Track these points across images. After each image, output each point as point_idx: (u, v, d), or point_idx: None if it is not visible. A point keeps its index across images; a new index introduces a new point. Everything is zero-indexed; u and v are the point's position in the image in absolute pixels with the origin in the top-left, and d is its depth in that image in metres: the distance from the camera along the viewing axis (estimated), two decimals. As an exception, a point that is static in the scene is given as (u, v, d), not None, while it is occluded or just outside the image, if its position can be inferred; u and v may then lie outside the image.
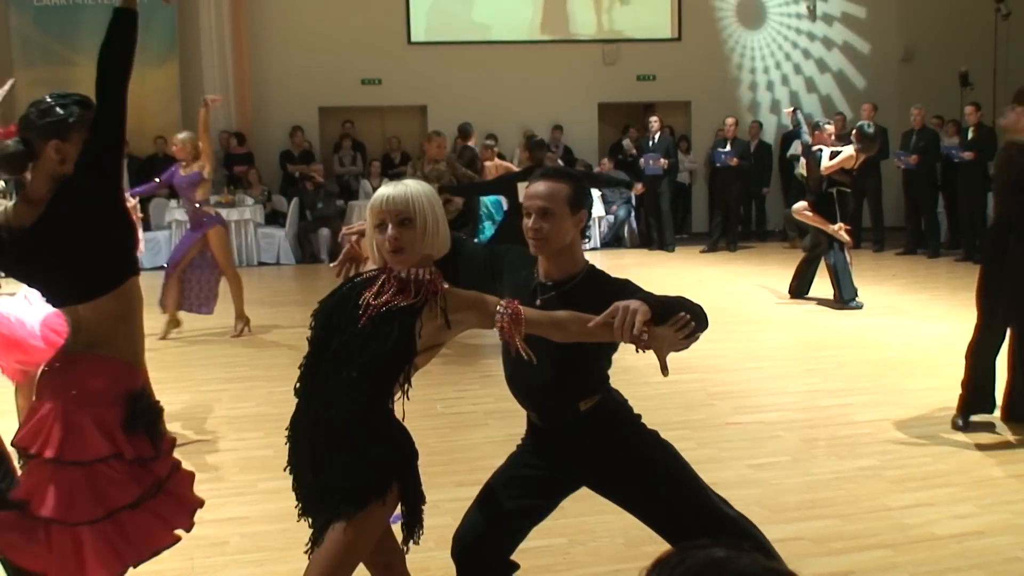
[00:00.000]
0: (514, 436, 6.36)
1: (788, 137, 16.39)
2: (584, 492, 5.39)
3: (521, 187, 9.84)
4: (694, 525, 3.30)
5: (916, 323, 9.80)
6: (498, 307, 3.07)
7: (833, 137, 11.06)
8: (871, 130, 10.32)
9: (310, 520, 3.31)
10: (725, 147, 15.99)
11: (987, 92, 15.76)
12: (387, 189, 3.12)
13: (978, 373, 6.37)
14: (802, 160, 11.33)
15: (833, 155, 10.42)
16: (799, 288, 11.25)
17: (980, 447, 6.12)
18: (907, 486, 5.46)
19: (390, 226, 3.07)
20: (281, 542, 4.84)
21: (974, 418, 6.43)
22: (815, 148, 10.69)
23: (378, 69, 16.85)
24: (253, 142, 16.21)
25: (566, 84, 17.30)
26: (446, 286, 3.16)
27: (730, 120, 16.15)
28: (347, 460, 3.17)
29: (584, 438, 3.51)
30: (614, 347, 3.40)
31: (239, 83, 16.38)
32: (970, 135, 14.14)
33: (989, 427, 6.43)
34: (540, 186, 3.37)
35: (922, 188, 14.83)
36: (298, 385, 3.33)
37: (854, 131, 10.51)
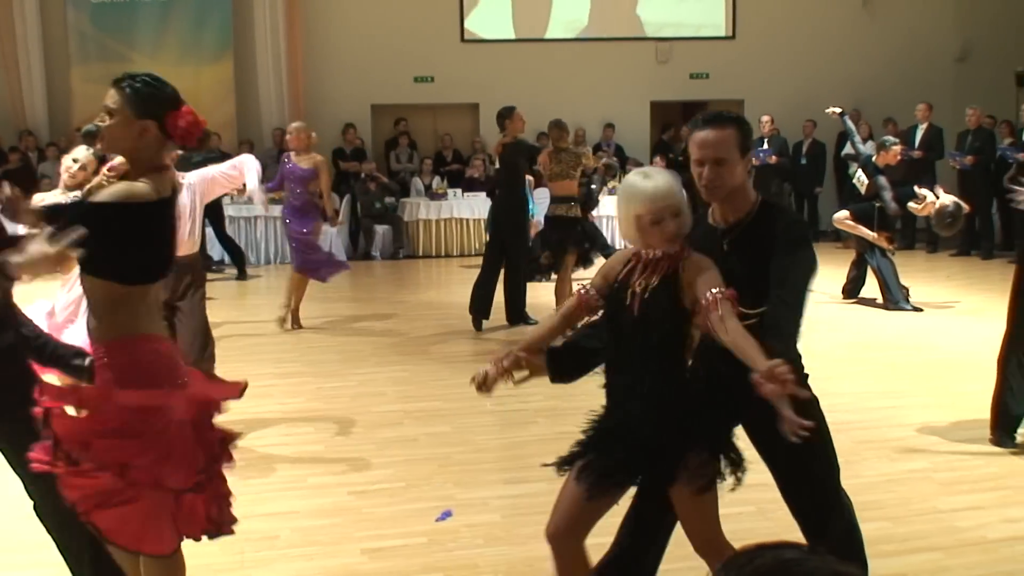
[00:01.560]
0: (563, 434, 6.37)
1: (843, 137, 16.24)
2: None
3: None
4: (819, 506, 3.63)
5: (970, 324, 9.69)
6: (715, 290, 3.16)
7: (899, 158, 10.86)
8: (948, 217, 9.90)
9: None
10: (763, 145, 15.87)
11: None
12: (649, 183, 3.25)
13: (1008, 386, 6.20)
14: (859, 170, 11.11)
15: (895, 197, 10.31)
16: (852, 290, 11.16)
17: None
18: (958, 489, 5.41)
19: (667, 219, 3.23)
20: (331, 536, 4.90)
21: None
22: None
23: (431, 67, 16.93)
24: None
25: (618, 82, 17.27)
26: (688, 254, 3.30)
27: (765, 117, 16.04)
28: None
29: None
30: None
31: (292, 80, 16.53)
32: (1024, 135, 13.96)
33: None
34: (709, 134, 3.37)
35: (977, 189, 14.64)
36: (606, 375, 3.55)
37: (935, 212, 9.99)
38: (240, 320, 10.70)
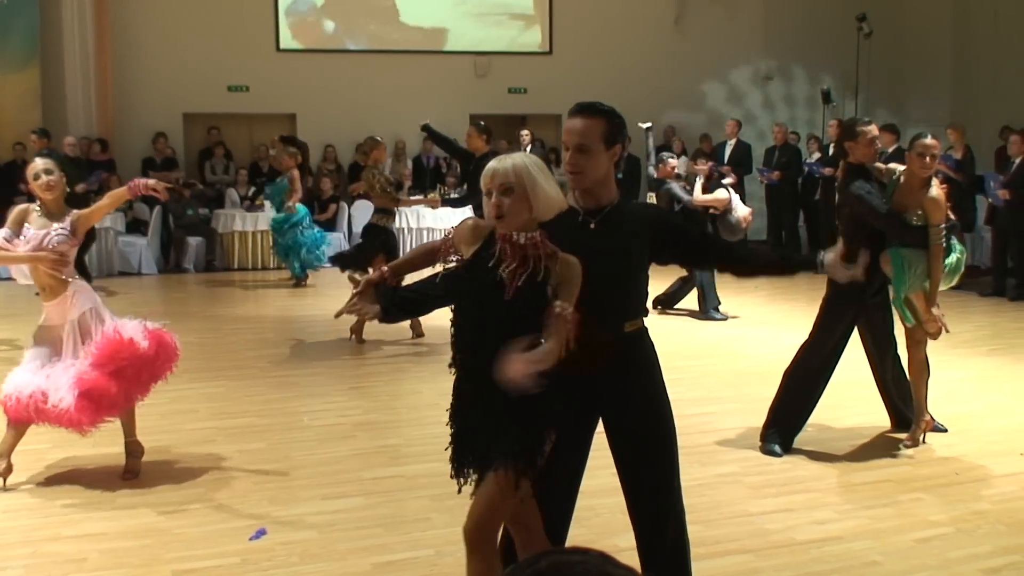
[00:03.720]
0: (383, 448, 6.37)
1: (659, 150, 16.68)
2: (455, 503, 5.38)
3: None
4: (660, 502, 3.70)
5: (777, 333, 10.04)
6: (565, 307, 3.25)
7: (676, 171, 11.18)
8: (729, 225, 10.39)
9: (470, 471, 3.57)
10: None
11: (848, 109, 16.30)
12: (494, 163, 3.36)
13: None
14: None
15: (705, 187, 10.64)
16: (666, 301, 11.40)
17: (839, 454, 6.30)
18: (767, 492, 5.58)
19: (494, 194, 3.32)
20: (141, 558, 4.73)
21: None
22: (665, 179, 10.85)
23: (246, 76, 16.62)
24: (115, 148, 15.80)
25: (438, 95, 17.28)
26: (555, 250, 3.37)
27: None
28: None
29: (621, 361, 3.63)
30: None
31: (101, 88, 15.96)
32: (831, 151, 14.58)
33: (848, 435, 6.62)
34: (576, 122, 3.52)
35: (783, 203, 15.23)
36: (460, 356, 3.48)
37: (720, 214, 10.49)
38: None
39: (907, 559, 4.72)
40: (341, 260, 10.22)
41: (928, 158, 5.97)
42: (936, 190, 6.07)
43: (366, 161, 10.52)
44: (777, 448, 6.25)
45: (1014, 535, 5.00)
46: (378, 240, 9.83)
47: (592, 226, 3.56)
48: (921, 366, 6.37)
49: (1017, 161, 11.95)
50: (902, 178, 6.17)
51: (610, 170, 3.62)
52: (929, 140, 6.03)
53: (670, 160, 11.24)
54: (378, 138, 10.56)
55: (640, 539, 3.80)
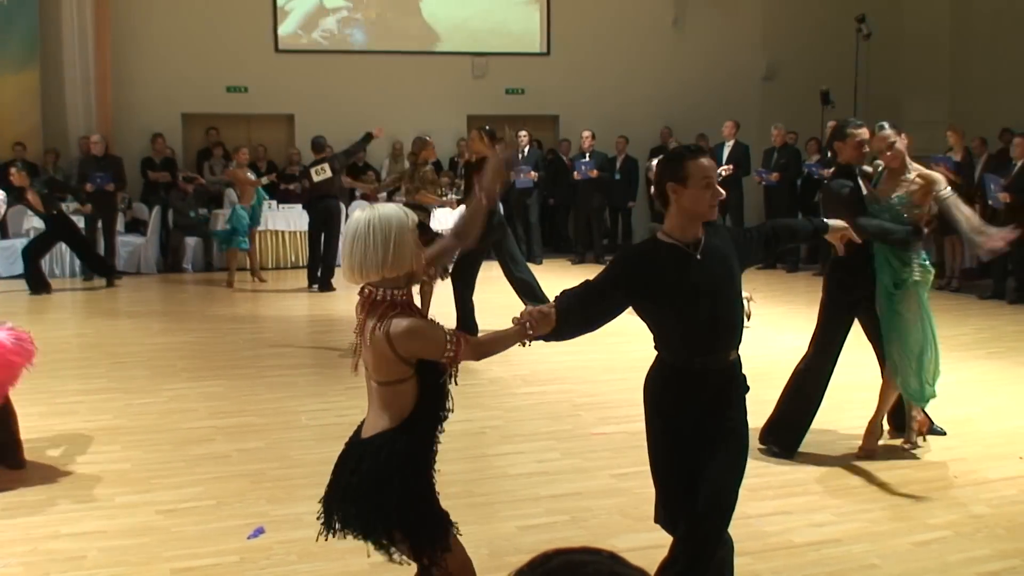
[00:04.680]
0: (380, 447, 6.35)
1: (655, 152, 16.70)
2: (451, 504, 5.38)
3: None
4: (724, 503, 3.78)
5: (775, 335, 10.05)
6: (448, 339, 3.33)
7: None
8: None
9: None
10: (585, 159, 16.16)
11: (847, 110, 16.28)
12: None
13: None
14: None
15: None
16: None
17: (837, 457, 6.30)
18: (766, 495, 5.57)
19: None
20: (140, 556, 4.74)
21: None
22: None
23: (244, 76, 16.62)
24: (114, 148, 15.78)
25: (435, 96, 17.30)
26: (398, 316, 3.32)
27: (586, 133, 16.35)
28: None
29: (724, 386, 3.82)
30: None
31: (101, 88, 15.95)
32: (829, 153, 14.56)
33: (847, 438, 6.62)
34: (708, 161, 3.74)
35: (782, 204, 15.22)
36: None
37: None
38: (43, 335, 10.22)
39: (905, 562, 4.72)
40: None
41: (888, 151, 6.18)
42: (917, 169, 6.21)
43: (415, 160, 10.79)
44: (776, 449, 6.26)
45: (1013, 539, 5.00)
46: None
47: (699, 257, 3.73)
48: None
49: (1020, 164, 11.94)
50: (884, 171, 6.31)
51: None
52: (887, 131, 6.24)
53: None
54: (427, 137, 10.72)
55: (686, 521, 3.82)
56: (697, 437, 3.75)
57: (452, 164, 17.01)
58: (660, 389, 3.82)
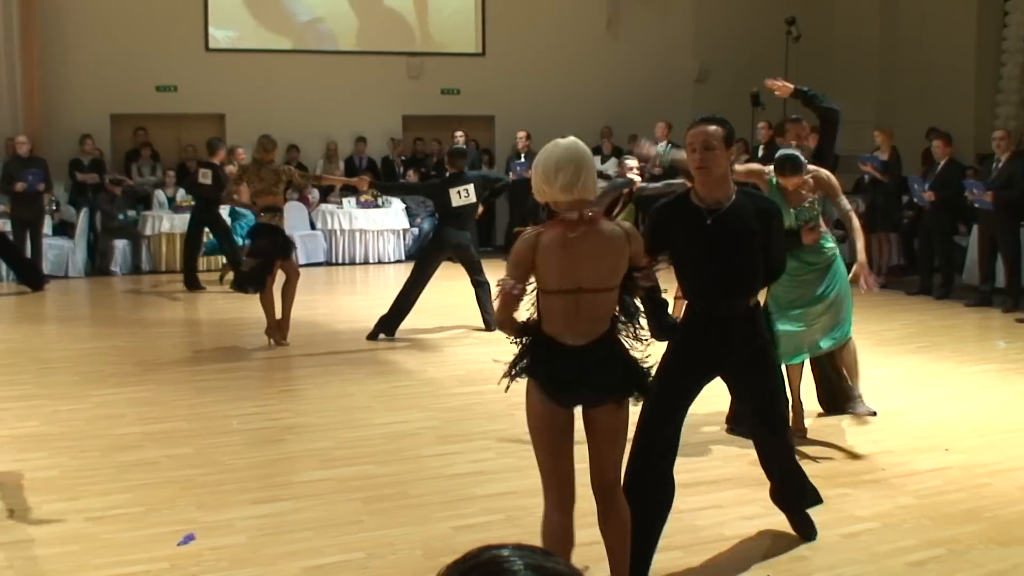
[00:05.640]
0: (312, 451, 6.32)
1: (594, 152, 16.78)
2: (386, 506, 5.36)
3: (453, 192, 9.89)
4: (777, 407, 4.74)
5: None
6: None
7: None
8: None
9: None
10: (520, 159, 16.16)
11: (777, 112, 16.47)
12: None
13: None
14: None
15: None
16: None
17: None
18: (698, 489, 5.61)
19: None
20: (67, 565, 4.65)
21: None
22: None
23: (174, 75, 16.38)
24: (42, 149, 15.49)
25: (370, 96, 17.19)
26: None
27: (521, 133, 16.36)
28: None
29: (744, 328, 4.44)
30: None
31: (28, 88, 15.62)
32: (760, 152, 14.72)
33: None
34: (702, 127, 4.34)
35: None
36: None
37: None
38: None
39: (834, 553, 4.78)
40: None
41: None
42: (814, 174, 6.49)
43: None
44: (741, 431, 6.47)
45: (939, 529, 5.08)
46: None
47: (708, 222, 4.28)
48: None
49: (942, 163, 12.16)
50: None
51: (728, 168, 4.39)
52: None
53: (627, 162, 11.28)
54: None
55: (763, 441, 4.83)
56: (722, 365, 4.48)
57: (385, 163, 16.95)
58: (685, 328, 4.44)
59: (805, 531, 4.89)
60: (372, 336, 9.86)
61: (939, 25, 16.68)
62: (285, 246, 9.83)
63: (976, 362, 8.91)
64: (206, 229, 13.68)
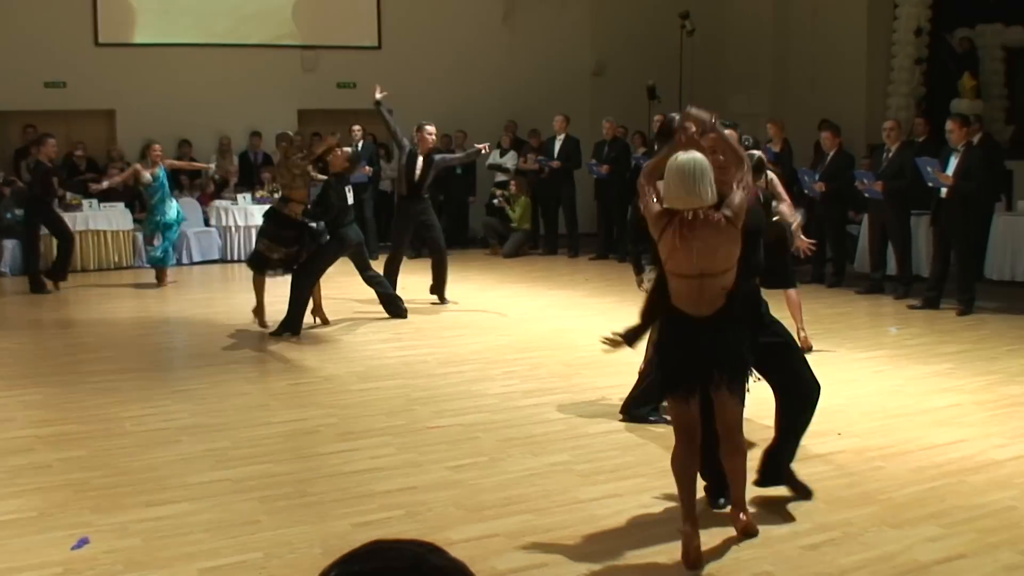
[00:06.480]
0: (210, 451, 6.22)
1: (503, 151, 16.88)
2: (284, 505, 5.31)
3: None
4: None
5: (607, 324, 10.19)
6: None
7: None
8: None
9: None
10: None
11: (673, 104, 16.68)
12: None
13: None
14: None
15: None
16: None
17: (664, 438, 6.42)
18: (597, 479, 5.67)
19: None
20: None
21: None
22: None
23: (63, 71, 15.97)
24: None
25: (264, 90, 16.96)
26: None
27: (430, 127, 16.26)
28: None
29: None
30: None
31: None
32: (656, 146, 14.88)
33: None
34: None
35: (613, 196, 15.48)
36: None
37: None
38: None
39: (728, 535, 4.85)
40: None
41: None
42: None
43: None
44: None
45: (833, 512, 5.20)
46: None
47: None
48: None
49: (831, 155, 12.42)
50: None
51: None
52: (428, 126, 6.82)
53: (427, 127, 11.50)
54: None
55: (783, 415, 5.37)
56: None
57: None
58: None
59: (804, 494, 5.38)
60: (277, 333, 9.78)
61: (830, 17, 17.04)
62: (307, 239, 10.02)
63: (868, 348, 9.14)
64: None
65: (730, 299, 4.62)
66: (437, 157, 11.69)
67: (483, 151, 12.03)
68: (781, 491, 5.46)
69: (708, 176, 4.51)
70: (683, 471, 4.75)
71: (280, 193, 10.56)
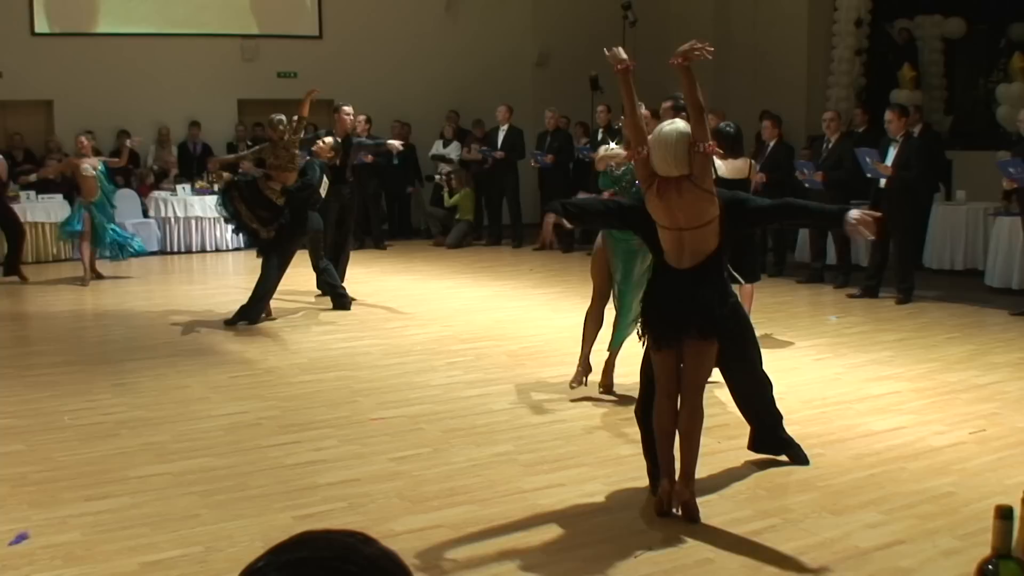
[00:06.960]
0: (148, 445, 6.15)
1: (446, 141, 16.85)
2: (224, 498, 5.27)
3: None
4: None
5: (550, 315, 10.26)
6: None
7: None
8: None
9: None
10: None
11: (616, 95, 16.75)
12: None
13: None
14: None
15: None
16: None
17: (607, 427, 6.48)
18: (540, 469, 5.68)
19: None
20: None
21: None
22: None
23: (-2, 61, 15.70)
24: None
25: (203, 79, 16.76)
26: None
27: (361, 117, 16.18)
28: None
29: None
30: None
31: None
32: (600, 135, 14.93)
33: (614, 408, 6.82)
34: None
35: (557, 186, 15.50)
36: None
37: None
38: None
39: (671, 525, 4.88)
40: None
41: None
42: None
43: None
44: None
45: (773, 499, 5.25)
46: None
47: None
48: (594, 318, 7.29)
49: (771, 145, 12.53)
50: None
51: None
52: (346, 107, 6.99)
53: (344, 108, 11.78)
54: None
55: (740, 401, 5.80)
56: None
57: (230, 149, 16.49)
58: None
59: (800, 460, 5.75)
60: (231, 322, 9.72)
61: (772, 8, 17.19)
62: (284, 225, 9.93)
63: (808, 336, 9.24)
64: None
65: (710, 259, 4.96)
66: (355, 140, 11.66)
67: (395, 151, 12.66)
68: (720, 479, 5.51)
69: (682, 147, 4.94)
70: (665, 424, 5.06)
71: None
